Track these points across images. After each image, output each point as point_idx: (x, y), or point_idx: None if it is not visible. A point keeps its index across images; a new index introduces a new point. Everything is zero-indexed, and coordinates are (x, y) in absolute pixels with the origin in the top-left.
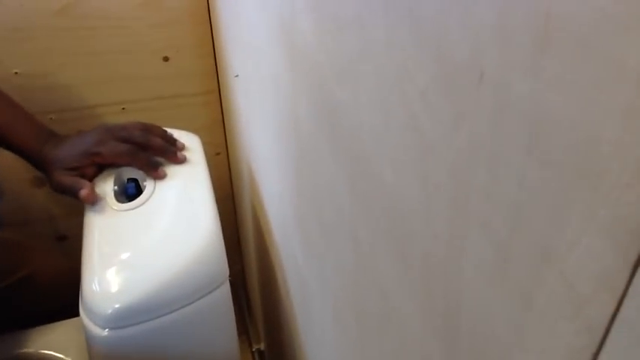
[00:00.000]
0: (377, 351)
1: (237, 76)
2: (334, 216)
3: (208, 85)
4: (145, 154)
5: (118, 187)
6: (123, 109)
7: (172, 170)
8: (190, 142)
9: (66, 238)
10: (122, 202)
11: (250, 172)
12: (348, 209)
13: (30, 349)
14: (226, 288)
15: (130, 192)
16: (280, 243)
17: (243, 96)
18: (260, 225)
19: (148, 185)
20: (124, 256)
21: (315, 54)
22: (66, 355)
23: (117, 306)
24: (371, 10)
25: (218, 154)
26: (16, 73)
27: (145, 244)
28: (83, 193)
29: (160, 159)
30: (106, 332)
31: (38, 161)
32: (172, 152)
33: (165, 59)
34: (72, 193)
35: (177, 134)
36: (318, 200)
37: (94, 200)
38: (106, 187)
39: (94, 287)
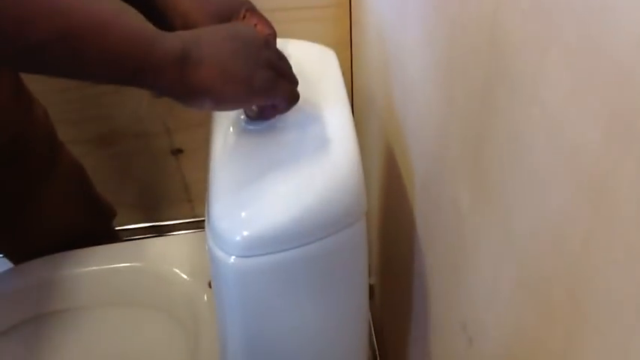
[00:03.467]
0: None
1: None
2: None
3: None
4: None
5: None
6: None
7: (308, 88)
8: (326, 57)
9: (181, 152)
10: (253, 118)
11: (388, 99)
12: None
13: (139, 262)
14: (363, 224)
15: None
16: (423, 175)
17: (392, 23)
18: (392, 152)
19: None
20: (256, 180)
21: None
22: (181, 271)
23: (245, 233)
24: None
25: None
26: None
27: (278, 168)
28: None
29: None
30: (232, 259)
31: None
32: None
33: None
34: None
35: (311, 48)
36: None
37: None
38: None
39: (222, 210)
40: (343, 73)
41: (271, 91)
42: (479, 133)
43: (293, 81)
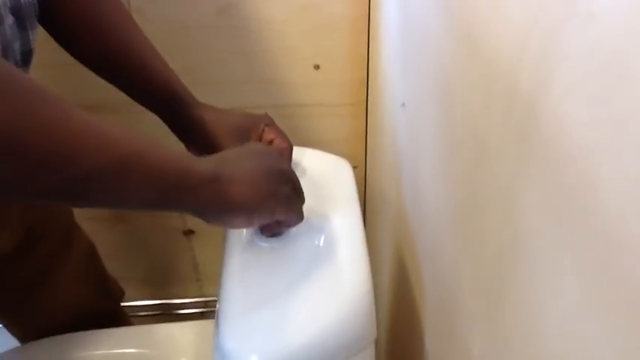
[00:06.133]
0: None
1: (403, 105)
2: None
3: (356, 96)
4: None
5: None
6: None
7: (322, 202)
8: (341, 170)
9: (192, 233)
10: (268, 235)
11: (400, 199)
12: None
13: (147, 348)
14: (371, 351)
15: None
16: (436, 303)
17: (406, 126)
18: (405, 267)
19: None
20: (267, 302)
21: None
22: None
23: (254, 358)
24: None
25: (355, 167)
26: None
27: (289, 291)
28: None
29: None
30: None
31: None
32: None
33: (316, 67)
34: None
35: (327, 159)
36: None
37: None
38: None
39: (231, 332)
40: (358, 165)
41: (291, 206)
42: (494, 287)
43: (303, 198)
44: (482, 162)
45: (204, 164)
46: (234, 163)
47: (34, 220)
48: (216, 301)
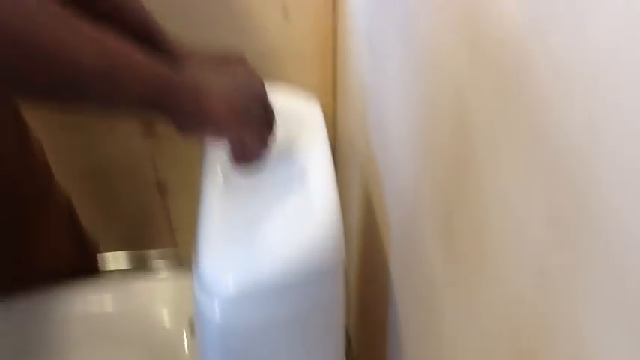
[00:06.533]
0: None
1: (370, 48)
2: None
3: (324, 44)
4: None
5: None
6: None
7: (292, 136)
8: (310, 109)
9: (165, 188)
10: (236, 165)
11: (367, 144)
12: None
13: (122, 299)
14: (341, 271)
15: None
16: (399, 226)
17: (372, 69)
18: (371, 199)
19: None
20: (243, 228)
21: None
22: (163, 310)
23: (231, 281)
24: None
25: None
26: None
27: (264, 218)
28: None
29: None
30: (216, 304)
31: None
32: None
33: (284, 13)
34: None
35: (295, 94)
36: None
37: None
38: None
39: (210, 257)
40: (326, 117)
41: (259, 131)
42: (449, 199)
43: (272, 129)
44: (437, 75)
45: (184, 71)
46: (217, 76)
47: (16, 174)
48: (189, 258)
